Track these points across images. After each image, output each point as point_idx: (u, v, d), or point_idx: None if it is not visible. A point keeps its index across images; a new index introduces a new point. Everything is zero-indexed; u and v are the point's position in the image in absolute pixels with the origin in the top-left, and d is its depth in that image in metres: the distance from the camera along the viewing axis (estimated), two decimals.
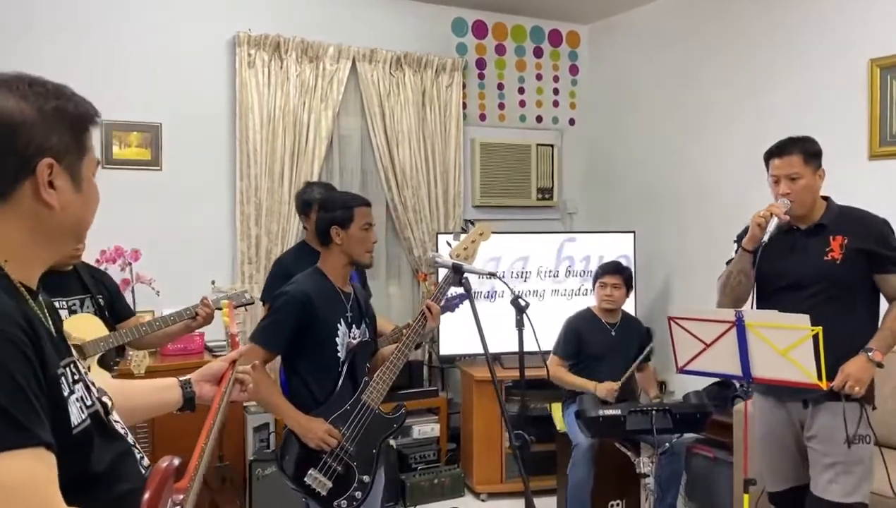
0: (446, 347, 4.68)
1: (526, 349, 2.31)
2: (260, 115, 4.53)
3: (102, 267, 3.55)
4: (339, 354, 2.61)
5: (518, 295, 2.26)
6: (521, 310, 2.25)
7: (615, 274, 4.00)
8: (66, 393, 1.11)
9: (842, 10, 3.90)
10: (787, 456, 2.81)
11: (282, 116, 4.58)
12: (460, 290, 2.50)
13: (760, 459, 2.91)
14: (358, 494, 2.45)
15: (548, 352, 3.99)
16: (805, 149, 2.71)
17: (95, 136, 1.21)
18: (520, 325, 2.27)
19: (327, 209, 2.67)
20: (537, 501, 3.95)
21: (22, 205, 1.11)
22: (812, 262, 2.69)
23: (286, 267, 3.29)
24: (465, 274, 2.41)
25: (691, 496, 4.05)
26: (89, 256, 3.44)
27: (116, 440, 1.26)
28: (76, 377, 1.17)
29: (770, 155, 2.77)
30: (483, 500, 4.44)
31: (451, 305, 3.15)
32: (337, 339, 2.62)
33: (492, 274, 2.48)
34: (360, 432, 2.54)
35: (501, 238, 4.85)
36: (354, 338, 2.67)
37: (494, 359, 4.63)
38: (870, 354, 2.55)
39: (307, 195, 3.55)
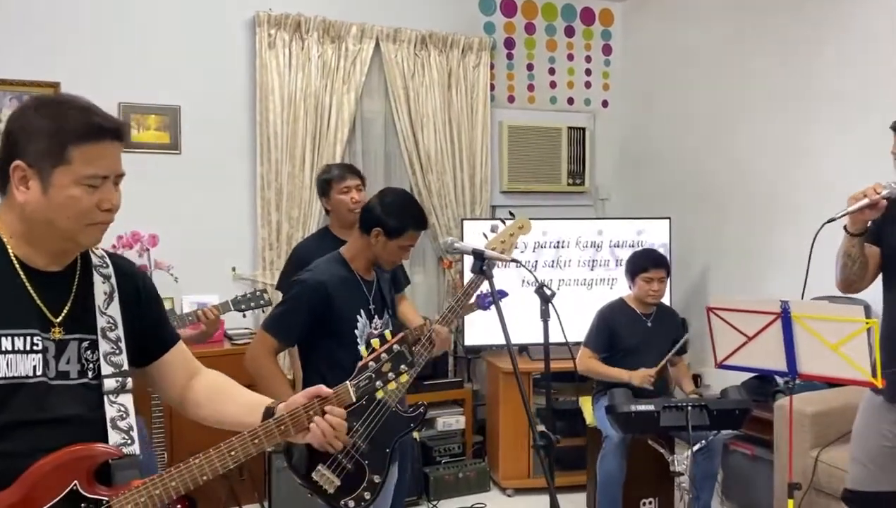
0: (472, 337, 4.54)
1: (553, 340, 2.15)
2: (281, 98, 4.40)
3: (119, 253, 3.43)
4: (358, 346, 2.47)
5: (543, 283, 2.10)
6: (546, 300, 2.09)
7: (661, 267, 3.75)
8: None
9: None
10: (885, 456, 2.50)
11: (303, 99, 4.45)
12: (492, 287, 2.32)
13: (852, 455, 2.61)
14: (367, 494, 2.32)
15: (577, 344, 3.81)
16: None
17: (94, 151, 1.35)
18: (545, 316, 2.10)
19: (385, 210, 2.48)
20: (566, 497, 3.85)
21: (12, 197, 1.38)
22: None
23: (305, 257, 3.04)
24: (487, 262, 2.24)
25: (728, 495, 3.86)
26: (106, 242, 3.35)
27: (40, 411, 1.35)
28: (32, 348, 1.36)
29: (895, 126, 2.39)
30: (509, 496, 4.28)
31: (483, 303, 3.00)
32: (356, 331, 2.48)
33: (516, 262, 2.32)
34: (374, 429, 2.40)
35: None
36: (376, 330, 2.53)
37: (522, 350, 4.53)
38: None
39: (326, 175, 3.42)
